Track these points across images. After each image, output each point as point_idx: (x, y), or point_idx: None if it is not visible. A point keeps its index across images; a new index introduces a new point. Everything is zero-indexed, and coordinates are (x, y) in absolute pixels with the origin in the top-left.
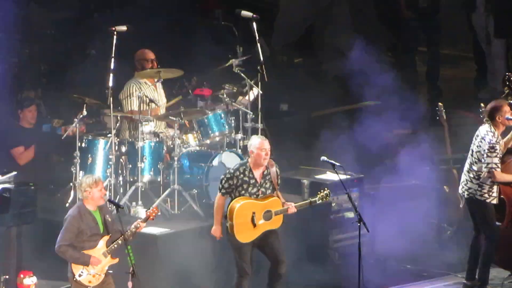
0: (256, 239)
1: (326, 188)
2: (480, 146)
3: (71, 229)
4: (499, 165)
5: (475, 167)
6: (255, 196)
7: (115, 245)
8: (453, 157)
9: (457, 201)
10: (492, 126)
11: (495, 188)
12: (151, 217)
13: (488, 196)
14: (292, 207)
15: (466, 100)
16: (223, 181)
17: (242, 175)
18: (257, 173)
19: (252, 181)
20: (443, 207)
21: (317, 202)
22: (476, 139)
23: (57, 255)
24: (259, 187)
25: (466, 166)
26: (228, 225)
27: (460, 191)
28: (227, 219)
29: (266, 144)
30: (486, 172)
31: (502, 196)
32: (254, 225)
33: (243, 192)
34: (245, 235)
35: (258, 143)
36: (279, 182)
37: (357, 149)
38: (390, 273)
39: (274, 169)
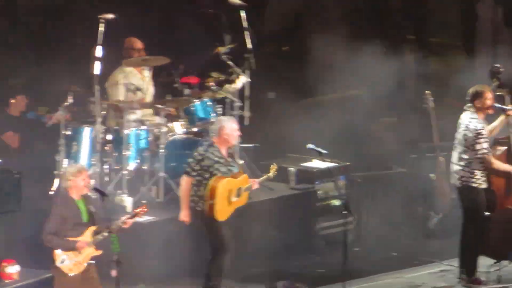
0: None
1: (274, 163)
2: (466, 135)
3: (55, 217)
4: (489, 149)
5: (465, 156)
6: (226, 175)
7: (100, 237)
8: (440, 145)
9: (443, 189)
10: (473, 113)
11: (486, 172)
12: (139, 215)
13: (482, 182)
14: (255, 183)
15: (454, 88)
16: (193, 164)
17: (212, 155)
18: (224, 152)
19: (222, 160)
20: (430, 195)
21: (272, 177)
22: (460, 127)
23: (40, 243)
24: (227, 166)
25: (455, 156)
26: (208, 204)
27: (452, 181)
28: (204, 200)
29: (235, 125)
30: (480, 159)
31: (492, 188)
32: (229, 203)
33: (215, 172)
34: (223, 213)
35: (234, 126)
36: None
37: (344, 137)
38: (376, 261)
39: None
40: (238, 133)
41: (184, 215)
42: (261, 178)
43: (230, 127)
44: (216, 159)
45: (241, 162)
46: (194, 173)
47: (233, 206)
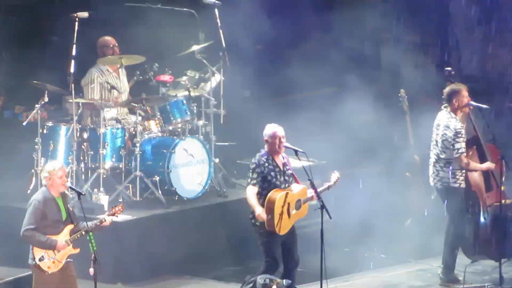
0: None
1: (335, 171)
2: (445, 134)
3: (36, 213)
4: (465, 149)
5: (443, 156)
6: (284, 184)
7: (78, 235)
8: (416, 143)
9: (419, 187)
10: (451, 112)
11: (463, 172)
12: (116, 214)
13: (461, 181)
14: (315, 195)
15: (429, 87)
16: (251, 173)
17: (266, 163)
18: (278, 161)
19: (277, 169)
20: (405, 193)
21: (333, 186)
22: (438, 128)
23: (18, 241)
24: (283, 175)
25: (433, 157)
26: (267, 219)
27: (432, 183)
28: (264, 213)
29: (280, 132)
30: (458, 157)
31: (473, 190)
32: (289, 216)
33: (274, 180)
34: (283, 226)
35: (271, 132)
36: None
37: (320, 135)
38: (353, 260)
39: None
40: (280, 141)
41: (260, 215)
42: (320, 189)
43: (271, 134)
44: (271, 167)
45: (217, 160)
46: (254, 181)
47: (293, 219)
